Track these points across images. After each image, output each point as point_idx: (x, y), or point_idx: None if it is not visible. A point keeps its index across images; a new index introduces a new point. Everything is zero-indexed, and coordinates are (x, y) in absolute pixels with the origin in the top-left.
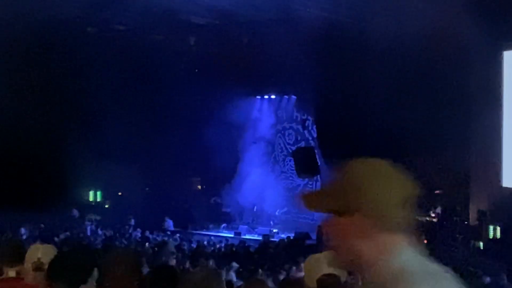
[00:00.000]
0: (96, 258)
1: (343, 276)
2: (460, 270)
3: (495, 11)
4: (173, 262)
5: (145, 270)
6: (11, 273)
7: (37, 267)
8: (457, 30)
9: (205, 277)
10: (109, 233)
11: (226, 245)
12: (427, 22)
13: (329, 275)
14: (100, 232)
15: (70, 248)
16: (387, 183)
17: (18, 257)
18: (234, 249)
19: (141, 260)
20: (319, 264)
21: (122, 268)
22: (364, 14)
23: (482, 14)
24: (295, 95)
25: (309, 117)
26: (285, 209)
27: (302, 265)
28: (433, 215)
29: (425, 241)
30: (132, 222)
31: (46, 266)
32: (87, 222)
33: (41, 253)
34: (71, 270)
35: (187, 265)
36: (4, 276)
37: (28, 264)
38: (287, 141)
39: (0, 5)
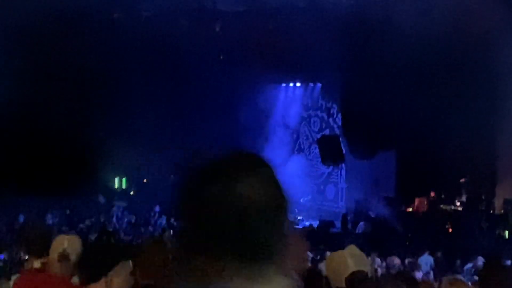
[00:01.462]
0: (123, 250)
1: (370, 272)
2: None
3: None
4: None
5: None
6: (36, 264)
7: (63, 258)
8: (482, 15)
9: None
10: (134, 220)
11: None
12: (452, 8)
13: (358, 272)
14: (125, 219)
15: (97, 241)
16: None
17: (44, 248)
18: None
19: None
20: (345, 262)
21: (153, 257)
22: (391, 3)
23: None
24: (320, 83)
25: (334, 105)
26: (310, 196)
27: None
28: (458, 203)
29: (450, 230)
30: (157, 209)
31: (72, 257)
32: (113, 209)
33: (66, 243)
34: (99, 262)
35: None
36: (29, 267)
37: (54, 255)
38: (312, 128)
39: None
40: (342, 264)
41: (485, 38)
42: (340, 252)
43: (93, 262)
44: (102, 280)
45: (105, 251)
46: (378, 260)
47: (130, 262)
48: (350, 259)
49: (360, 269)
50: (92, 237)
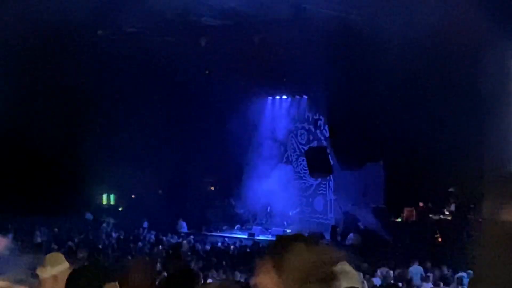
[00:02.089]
0: (110, 272)
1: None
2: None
3: (507, 8)
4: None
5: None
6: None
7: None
8: (470, 28)
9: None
10: (123, 236)
11: (240, 247)
12: (439, 20)
13: None
14: (114, 235)
15: (84, 265)
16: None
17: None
18: (248, 250)
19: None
20: (338, 279)
21: (139, 277)
22: (376, 13)
23: (495, 12)
24: (306, 95)
25: (321, 117)
26: (298, 209)
27: None
28: (447, 213)
29: (439, 239)
30: (145, 224)
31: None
32: (103, 226)
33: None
34: (87, 283)
35: (201, 265)
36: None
37: (45, 275)
38: (300, 141)
39: (12, 8)
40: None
41: (473, 49)
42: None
43: (81, 283)
44: None
45: (93, 271)
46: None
47: (117, 283)
48: (342, 276)
49: (352, 285)
50: (81, 254)
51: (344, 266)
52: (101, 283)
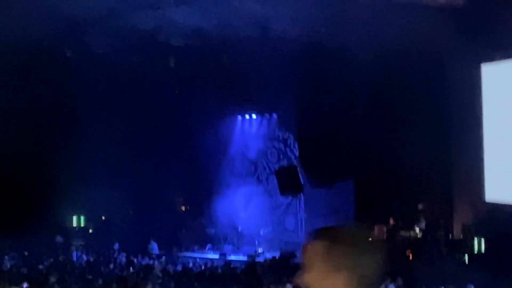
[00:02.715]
0: None
1: None
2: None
3: (473, 24)
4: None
5: None
6: None
7: None
8: (436, 44)
9: None
10: (94, 258)
11: (211, 267)
12: (406, 37)
13: None
14: (84, 257)
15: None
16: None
17: None
18: (219, 271)
19: None
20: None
21: None
22: (343, 31)
23: (461, 28)
24: (276, 114)
25: (290, 135)
26: (270, 228)
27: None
28: (417, 229)
29: (410, 256)
30: (117, 246)
31: None
32: (71, 248)
33: None
34: None
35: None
36: None
37: None
38: (270, 159)
39: None
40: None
41: (440, 62)
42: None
43: None
44: None
45: None
46: None
47: None
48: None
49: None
50: (52, 278)
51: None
52: None
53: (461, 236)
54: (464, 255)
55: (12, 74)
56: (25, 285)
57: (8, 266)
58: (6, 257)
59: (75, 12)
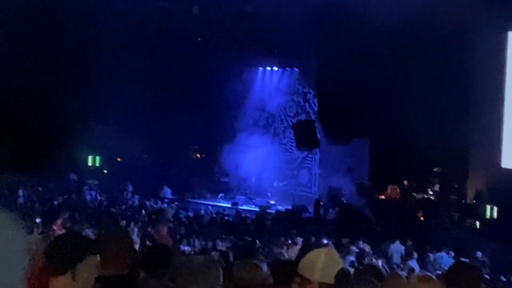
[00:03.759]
0: (91, 244)
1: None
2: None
3: None
4: (164, 230)
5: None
6: None
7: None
8: (461, 9)
9: (202, 264)
10: (106, 198)
11: (222, 215)
12: (431, 1)
13: (341, 269)
14: (98, 197)
15: (66, 234)
16: None
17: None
18: (230, 219)
19: (132, 240)
20: (334, 259)
21: (114, 249)
22: None
23: None
24: (297, 68)
25: (310, 90)
26: (283, 181)
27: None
28: (430, 192)
29: (422, 218)
30: (130, 188)
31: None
32: (85, 187)
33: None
34: (67, 255)
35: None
36: None
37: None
38: (288, 113)
39: None
40: (330, 261)
41: (460, 33)
42: (317, 251)
43: (61, 255)
44: (68, 273)
45: (73, 243)
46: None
47: (98, 256)
48: (336, 256)
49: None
50: (64, 215)
51: (332, 251)
52: (83, 255)
53: (474, 202)
54: (475, 221)
55: (33, 11)
56: (37, 219)
57: (23, 200)
58: (21, 191)
59: None
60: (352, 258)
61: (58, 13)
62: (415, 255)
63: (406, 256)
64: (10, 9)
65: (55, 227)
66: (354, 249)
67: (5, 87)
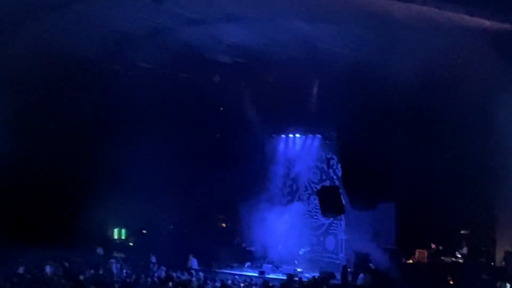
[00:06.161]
0: None
1: None
2: None
3: None
4: None
5: None
6: None
7: None
8: (480, 64)
9: None
10: (133, 271)
11: (250, 285)
12: (452, 61)
13: None
14: (124, 270)
15: None
16: None
17: None
18: None
19: None
20: None
21: None
22: (388, 53)
23: (509, 51)
24: (320, 134)
25: (334, 156)
26: (309, 248)
27: None
28: (459, 255)
29: (451, 282)
30: (153, 259)
31: None
32: (111, 260)
33: None
34: None
35: None
36: None
37: None
38: (312, 179)
39: (29, 42)
40: None
41: (485, 86)
42: None
43: None
44: None
45: None
46: None
47: None
48: None
49: None
50: None
51: None
52: None
53: (503, 263)
54: (506, 284)
55: (61, 87)
56: None
57: (49, 276)
58: (48, 267)
59: (123, 27)
60: None
61: (82, 87)
62: None
63: None
64: (34, 86)
65: None
66: None
67: (34, 163)
